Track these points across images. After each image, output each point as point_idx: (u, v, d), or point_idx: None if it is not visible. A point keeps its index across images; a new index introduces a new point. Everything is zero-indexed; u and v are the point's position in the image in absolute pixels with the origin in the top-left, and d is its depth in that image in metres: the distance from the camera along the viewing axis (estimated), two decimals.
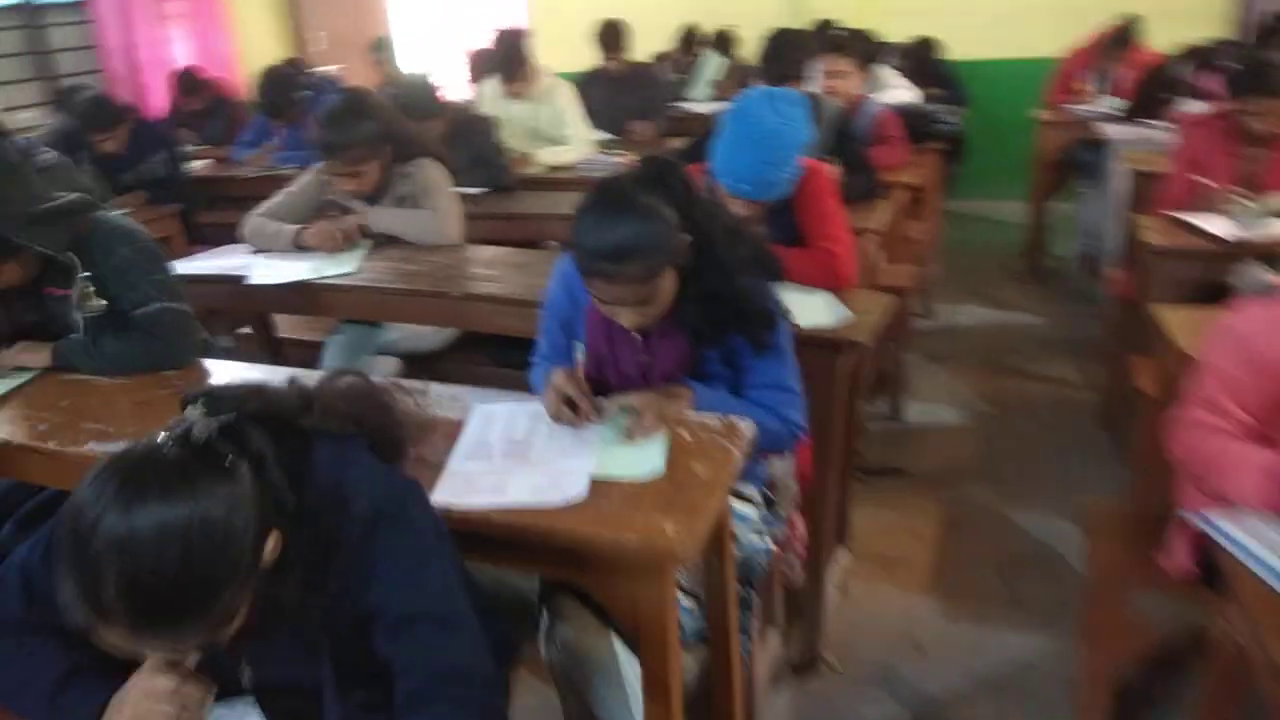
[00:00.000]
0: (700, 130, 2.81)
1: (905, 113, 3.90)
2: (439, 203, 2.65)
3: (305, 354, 2.87)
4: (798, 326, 1.93)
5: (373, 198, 2.70)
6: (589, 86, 4.77)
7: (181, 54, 6.00)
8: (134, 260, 1.93)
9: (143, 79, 5.79)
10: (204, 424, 0.94)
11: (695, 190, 1.54)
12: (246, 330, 3.06)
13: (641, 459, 1.42)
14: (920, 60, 5.41)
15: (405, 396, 1.29)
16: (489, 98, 4.21)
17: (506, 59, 3.97)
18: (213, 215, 4.13)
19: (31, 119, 5.22)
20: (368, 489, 1.07)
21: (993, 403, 3.62)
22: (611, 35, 4.73)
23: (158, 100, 5.86)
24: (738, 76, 5.51)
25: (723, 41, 6.17)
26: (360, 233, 2.66)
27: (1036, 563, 2.64)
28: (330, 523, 1.03)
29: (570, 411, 1.54)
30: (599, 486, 1.36)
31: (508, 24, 4.08)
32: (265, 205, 2.75)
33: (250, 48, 6.54)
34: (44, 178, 3.15)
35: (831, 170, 2.33)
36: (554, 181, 3.75)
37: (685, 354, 1.64)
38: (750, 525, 1.76)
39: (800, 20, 6.22)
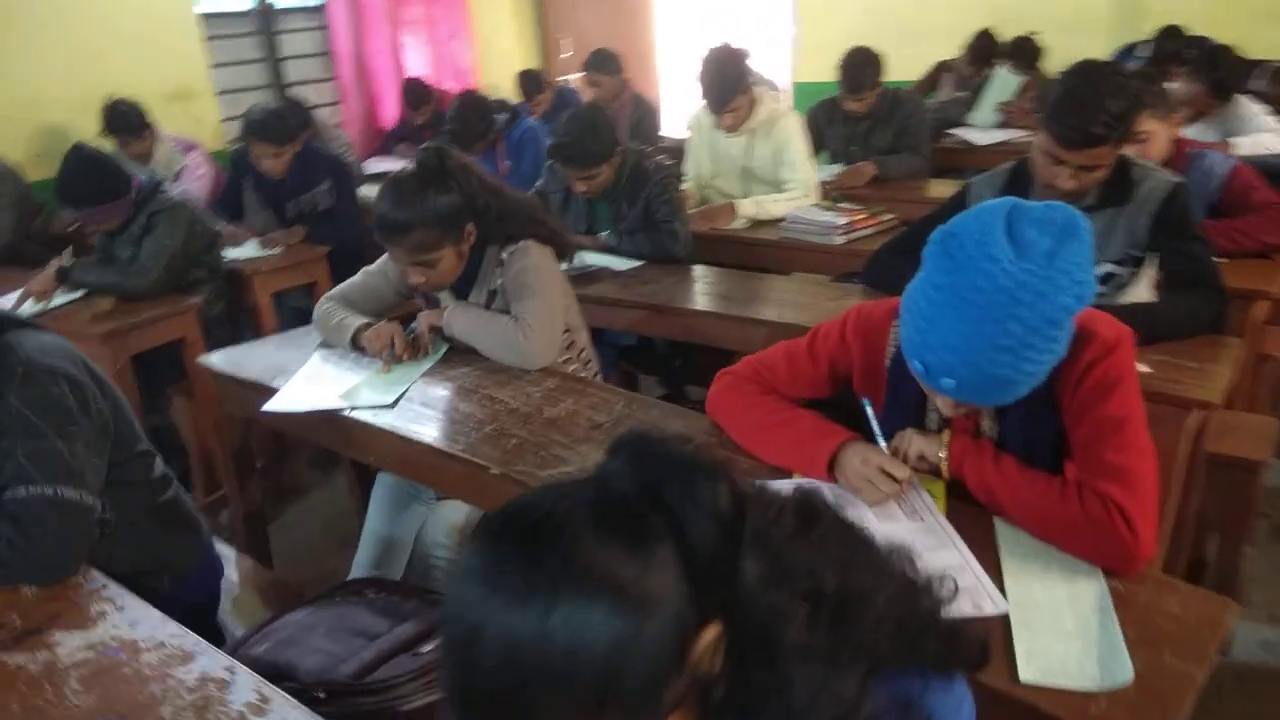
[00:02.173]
0: (974, 166, 1.87)
1: (1271, 170, 2.64)
2: (526, 311, 1.91)
3: None
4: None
5: (460, 288, 2.03)
6: (825, 121, 3.85)
7: (416, 63, 5.75)
8: (23, 415, 1.34)
9: (373, 88, 5.59)
10: None
11: (746, 506, 0.66)
12: None
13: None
14: None
15: None
16: (698, 129, 3.43)
17: (715, 84, 3.15)
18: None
19: None
20: None
21: None
22: (855, 71, 3.68)
23: (388, 112, 5.65)
24: (1032, 99, 4.30)
25: (1021, 52, 4.94)
26: (433, 335, 1.99)
27: None
28: None
29: None
30: None
31: (720, 41, 3.23)
32: (343, 285, 2.17)
33: (491, 56, 6.19)
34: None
35: (1129, 334, 1.29)
36: (745, 245, 2.91)
37: None
38: None
39: (1136, 29, 4.90)
